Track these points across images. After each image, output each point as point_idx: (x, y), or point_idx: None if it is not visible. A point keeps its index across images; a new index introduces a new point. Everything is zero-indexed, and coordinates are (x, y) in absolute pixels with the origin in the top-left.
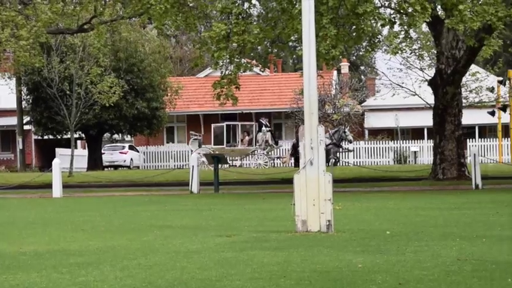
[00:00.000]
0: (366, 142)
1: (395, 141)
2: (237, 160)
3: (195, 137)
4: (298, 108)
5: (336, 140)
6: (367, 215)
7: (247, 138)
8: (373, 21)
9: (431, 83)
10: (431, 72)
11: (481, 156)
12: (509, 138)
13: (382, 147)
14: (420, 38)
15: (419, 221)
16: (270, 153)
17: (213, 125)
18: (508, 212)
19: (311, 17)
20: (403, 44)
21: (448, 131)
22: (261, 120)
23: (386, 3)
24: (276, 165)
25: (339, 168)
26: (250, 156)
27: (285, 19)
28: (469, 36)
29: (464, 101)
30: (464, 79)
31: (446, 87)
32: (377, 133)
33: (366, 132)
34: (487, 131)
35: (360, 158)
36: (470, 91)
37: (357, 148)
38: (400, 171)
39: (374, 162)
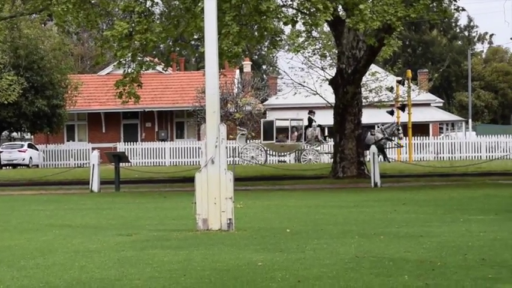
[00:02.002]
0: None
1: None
2: (285, 155)
3: (242, 133)
4: (200, 106)
5: (388, 134)
6: (268, 213)
7: (295, 133)
8: (275, 20)
9: (332, 82)
10: (332, 72)
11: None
12: (407, 137)
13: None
14: (322, 38)
15: (319, 219)
16: (319, 148)
17: (262, 120)
18: (405, 210)
19: (213, 15)
20: (306, 42)
21: (348, 130)
22: (310, 115)
23: (289, 2)
24: (323, 161)
25: (240, 166)
26: (298, 151)
27: (188, 17)
28: (369, 35)
29: (364, 100)
30: (364, 79)
31: (346, 87)
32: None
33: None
34: None
35: (260, 156)
36: (370, 91)
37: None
38: (301, 169)
39: (275, 160)
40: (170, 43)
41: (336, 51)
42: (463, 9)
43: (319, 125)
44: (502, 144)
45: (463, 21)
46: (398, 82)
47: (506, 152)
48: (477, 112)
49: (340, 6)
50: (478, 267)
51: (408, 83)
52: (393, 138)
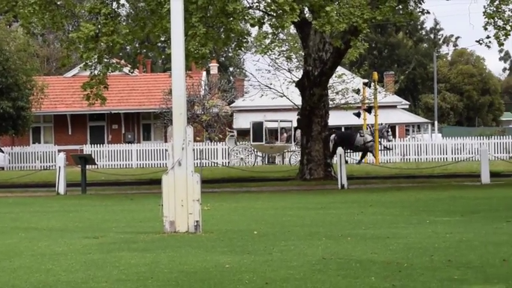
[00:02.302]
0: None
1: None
2: (275, 156)
3: (231, 134)
4: (167, 108)
5: (378, 136)
6: (235, 215)
7: (285, 135)
8: (242, 22)
9: (299, 84)
10: (299, 74)
11: (347, 156)
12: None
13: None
14: (288, 40)
15: (286, 221)
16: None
17: (251, 122)
18: (372, 211)
19: (180, 16)
20: (272, 44)
21: (315, 132)
22: (299, 117)
23: (256, 4)
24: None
25: (207, 168)
26: (287, 153)
27: (154, 19)
28: (335, 38)
29: (330, 102)
30: (331, 81)
31: (313, 89)
32: (246, 134)
33: (235, 132)
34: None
35: (228, 158)
36: (337, 93)
37: (225, 149)
38: (269, 171)
39: (243, 162)
40: (137, 45)
41: (303, 53)
42: (429, 12)
43: None
44: (467, 146)
45: (428, 24)
46: (365, 84)
47: (472, 154)
48: (443, 114)
49: (306, 9)
50: (444, 268)
51: (374, 85)
52: (381, 140)
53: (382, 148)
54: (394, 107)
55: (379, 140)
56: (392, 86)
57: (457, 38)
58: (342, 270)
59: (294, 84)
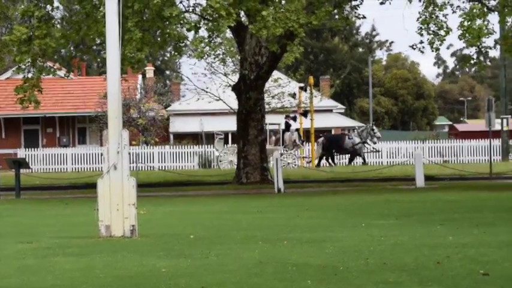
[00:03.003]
0: (171, 146)
1: (200, 146)
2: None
3: (220, 137)
4: (102, 112)
5: (364, 138)
6: (172, 220)
7: (273, 138)
8: (178, 26)
9: (235, 88)
10: (235, 78)
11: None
12: (310, 143)
13: (187, 152)
14: (224, 44)
15: (222, 225)
16: (296, 153)
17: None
18: (308, 215)
19: (115, 20)
20: (208, 48)
21: (251, 136)
22: (287, 120)
23: (192, 8)
24: (300, 165)
25: (143, 172)
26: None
27: (89, 22)
28: (272, 42)
29: (267, 106)
30: (267, 85)
31: (249, 93)
32: (182, 137)
33: (171, 136)
34: None
35: (165, 162)
36: (273, 97)
37: (161, 152)
38: (205, 175)
39: (179, 166)
40: (72, 48)
41: (239, 57)
42: (364, 17)
43: (296, 129)
44: (402, 150)
45: (364, 29)
46: (301, 88)
47: (406, 157)
48: (378, 118)
49: (242, 13)
50: (379, 271)
51: (310, 89)
52: (368, 142)
53: (371, 150)
54: (330, 111)
55: (367, 141)
56: (328, 90)
57: (392, 42)
58: (278, 273)
59: (231, 88)
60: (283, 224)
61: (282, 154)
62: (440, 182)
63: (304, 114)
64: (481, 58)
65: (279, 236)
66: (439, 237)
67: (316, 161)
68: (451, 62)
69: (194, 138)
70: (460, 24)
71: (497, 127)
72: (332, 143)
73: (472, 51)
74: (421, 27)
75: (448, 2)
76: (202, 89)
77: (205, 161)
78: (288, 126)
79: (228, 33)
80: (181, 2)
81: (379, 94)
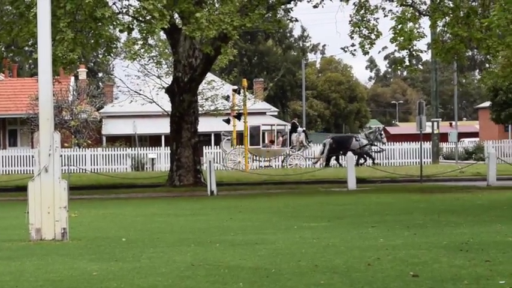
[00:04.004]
0: (104, 149)
1: (133, 148)
2: (270, 160)
3: (228, 138)
4: (34, 114)
5: (372, 140)
6: (104, 222)
7: (280, 139)
8: (111, 27)
9: (169, 90)
10: (169, 80)
11: (217, 163)
12: (243, 145)
13: (120, 154)
14: (158, 46)
15: (155, 228)
16: (303, 153)
17: (249, 125)
18: (241, 217)
19: (47, 20)
20: (142, 50)
21: (185, 138)
22: (294, 121)
23: (125, 9)
24: (308, 166)
25: (75, 175)
26: (282, 156)
27: (21, 23)
28: (205, 44)
29: (200, 108)
30: (200, 87)
31: (183, 95)
32: (115, 140)
33: (104, 139)
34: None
35: (97, 164)
36: (207, 99)
37: (94, 155)
38: (138, 178)
39: (112, 169)
40: (3, 49)
41: (173, 59)
42: (297, 20)
43: (303, 131)
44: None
45: (297, 32)
46: (234, 91)
47: (340, 160)
48: (311, 121)
49: (176, 14)
50: (311, 273)
51: (244, 92)
52: (376, 144)
53: (378, 150)
54: (264, 113)
55: (375, 143)
56: (262, 93)
57: (325, 45)
58: (210, 276)
59: (164, 90)
60: (216, 227)
61: (289, 155)
62: (372, 184)
63: (238, 116)
64: (413, 61)
65: (211, 239)
66: (370, 239)
67: (323, 162)
68: (383, 66)
69: (127, 140)
70: (392, 26)
71: (428, 130)
72: (339, 145)
73: (403, 54)
74: (352, 30)
75: (380, 6)
76: (136, 91)
77: (138, 163)
78: (295, 127)
79: (162, 35)
80: (114, 3)
81: (312, 97)
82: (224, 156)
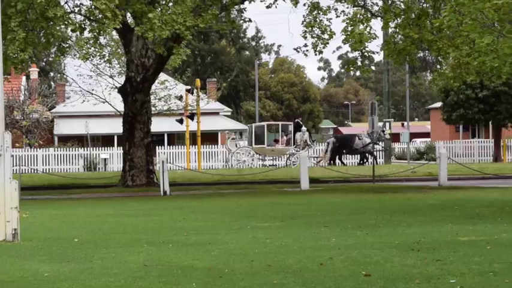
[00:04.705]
0: (56, 149)
1: (86, 148)
2: (275, 159)
3: (233, 137)
4: None
5: (375, 139)
6: (56, 223)
7: (285, 138)
8: (63, 26)
9: (121, 90)
10: (122, 80)
11: (170, 163)
12: (196, 146)
13: (72, 154)
14: (110, 45)
15: (107, 228)
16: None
17: (253, 125)
18: (194, 217)
19: None
20: (94, 50)
21: (138, 138)
22: (298, 120)
23: (77, 9)
24: (312, 165)
25: (26, 175)
26: (286, 155)
27: None
28: (158, 44)
29: (153, 108)
30: (153, 87)
31: (135, 95)
32: (67, 140)
33: (56, 139)
34: (175, 138)
35: (49, 165)
36: (160, 99)
37: (45, 155)
38: (90, 178)
39: (64, 169)
40: None
41: (125, 59)
42: (250, 20)
43: (307, 130)
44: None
45: (251, 32)
46: (188, 91)
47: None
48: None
49: (129, 14)
50: (264, 273)
51: (197, 92)
52: (378, 142)
53: (381, 149)
54: (217, 113)
55: (377, 142)
56: (215, 93)
57: (279, 46)
58: (163, 277)
59: (117, 90)
60: (169, 227)
61: (293, 154)
62: (325, 184)
63: (191, 116)
64: (365, 62)
65: (164, 239)
66: (323, 239)
67: (327, 161)
68: (336, 66)
69: (79, 140)
70: (343, 28)
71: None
72: (342, 143)
73: (356, 55)
74: (305, 31)
75: (333, 7)
76: (88, 91)
77: (90, 163)
78: (299, 126)
79: (115, 35)
80: (66, 3)
81: (265, 98)
82: (229, 155)
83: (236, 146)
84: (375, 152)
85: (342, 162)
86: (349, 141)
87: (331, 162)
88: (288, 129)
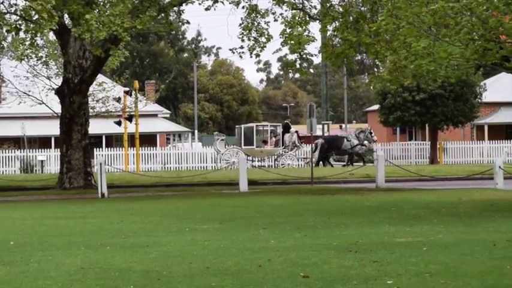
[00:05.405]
0: None
1: (22, 150)
2: (264, 160)
3: (222, 138)
4: None
5: (362, 140)
6: None
7: (273, 139)
8: None
9: (59, 91)
10: (59, 81)
11: (108, 165)
12: (135, 148)
13: (8, 156)
14: (47, 46)
15: (44, 231)
16: (296, 153)
17: (243, 126)
18: (132, 220)
19: None
20: (29, 51)
21: (75, 140)
22: (287, 121)
23: (12, 9)
24: (300, 166)
25: None
26: (275, 156)
27: None
28: (95, 46)
29: (91, 110)
30: (91, 89)
31: (73, 97)
32: (3, 141)
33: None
34: (113, 140)
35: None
36: (98, 101)
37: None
38: (27, 180)
39: (0, 171)
40: None
41: (63, 61)
42: (189, 22)
43: (296, 131)
44: (226, 154)
45: (191, 34)
46: (126, 93)
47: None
48: (202, 123)
49: (66, 15)
50: (203, 275)
51: (135, 94)
52: (365, 144)
53: (367, 150)
54: (155, 115)
55: (364, 143)
56: (153, 95)
57: (218, 48)
58: (100, 279)
59: (54, 91)
60: (107, 229)
61: (282, 155)
62: (264, 186)
63: (129, 118)
64: (304, 64)
65: (102, 242)
66: (261, 241)
67: (315, 162)
68: (275, 68)
69: (16, 142)
70: (282, 31)
71: (319, 132)
72: (331, 145)
73: (295, 57)
74: (242, 33)
75: (271, 10)
76: (24, 92)
77: (27, 165)
78: (287, 127)
79: (52, 36)
80: (2, 3)
81: (203, 100)
82: (218, 156)
83: (225, 147)
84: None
85: (330, 164)
86: (337, 142)
87: (319, 163)
88: (277, 131)
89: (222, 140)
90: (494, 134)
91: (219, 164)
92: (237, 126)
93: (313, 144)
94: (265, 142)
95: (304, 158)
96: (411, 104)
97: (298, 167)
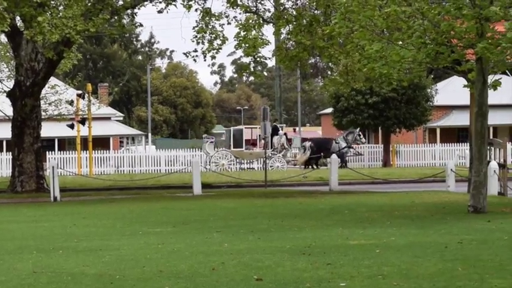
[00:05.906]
0: None
1: None
2: (253, 162)
3: (211, 141)
4: None
5: (350, 142)
6: None
7: (262, 141)
8: None
9: (10, 94)
10: (11, 84)
11: (60, 168)
12: (87, 151)
13: None
14: None
15: None
16: (285, 155)
17: (232, 129)
18: (85, 223)
19: None
20: None
21: (27, 144)
22: (276, 124)
23: None
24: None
25: None
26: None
27: None
28: (48, 48)
29: (43, 113)
30: (44, 91)
31: (25, 99)
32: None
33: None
34: (66, 143)
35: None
36: (50, 104)
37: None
38: None
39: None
40: None
41: (14, 63)
42: (141, 25)
43: (284, 133)
44: (180, 157)
45: (144, 37)
46: (79, 96)
47: (185, 165)
48: (156, 126)
49: (18, 17)
50: (156, 279)
51: (88, 97)
52: (353, 146)
53: (354, 154)
54: (109, 118)
55: (352, 146)
56: (107, 98)
57: (172, 51)
58: (52, 283)
59: (5, 94)
60: (59, 233)
61: (270, 157)
62: (218, 189)
63: (82, 121)
64: (258, 67)
65: (54, 245)
66: (215, 244)
67: (303, 164)
68: (229, 71)
69: None
70: (236, 34)
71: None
72: (320, 147)
73: (249, 60)
74: (196, 36)
75: (225, 13)
76: None
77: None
78: (276, 130)
79: (3, 38)
80: None
81: (157, 102)
82: (207, 159)
83: (215, 149)
84: (349, 155)
85: (317, 166)
86: (326, 144)
87: (307, 165)
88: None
89: (211, 142)
90: (446, 137)
91: (208, 167)
92: (225, 128)
93: (302, 147)
94: (254, 144)
95: (293, 160)
96: (364, 107)
97: (286, 170)
